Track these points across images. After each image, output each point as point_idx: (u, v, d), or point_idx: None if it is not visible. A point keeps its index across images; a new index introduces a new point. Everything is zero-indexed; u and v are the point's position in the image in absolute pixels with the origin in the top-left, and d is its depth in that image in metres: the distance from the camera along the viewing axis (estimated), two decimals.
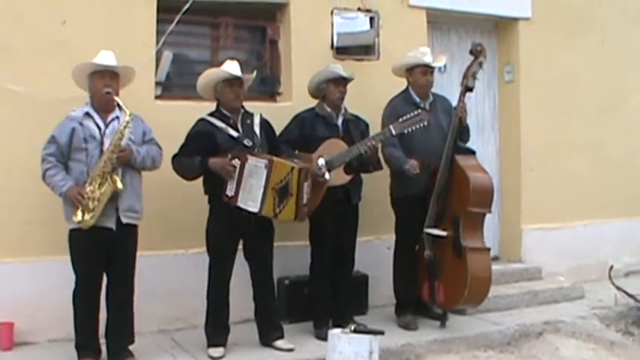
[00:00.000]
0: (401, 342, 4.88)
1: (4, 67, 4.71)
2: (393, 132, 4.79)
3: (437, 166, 5.03)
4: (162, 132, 4.52)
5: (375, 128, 5.15)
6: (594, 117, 7.00)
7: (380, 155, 5.02)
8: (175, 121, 4.73)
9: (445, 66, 5.91)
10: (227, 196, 4.43)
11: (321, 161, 4.85)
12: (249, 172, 4.42)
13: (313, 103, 5.14)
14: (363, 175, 5.11)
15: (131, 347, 4.39)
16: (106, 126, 4.26)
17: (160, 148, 4.47)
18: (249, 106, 4.82)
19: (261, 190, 4.41)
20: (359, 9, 5.87)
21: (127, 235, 4.29)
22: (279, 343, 4.69)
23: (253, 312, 4.78)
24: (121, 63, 4.31)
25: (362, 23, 5.87)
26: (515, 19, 6.66)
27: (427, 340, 4.97)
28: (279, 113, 5.15)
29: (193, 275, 4.91)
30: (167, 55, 5.29)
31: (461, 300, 5.02)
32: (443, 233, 5.00)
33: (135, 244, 4.37)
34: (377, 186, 5.32)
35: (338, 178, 4.87)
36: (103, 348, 4.36)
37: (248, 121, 4.68)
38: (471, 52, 5.19)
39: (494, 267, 5.46)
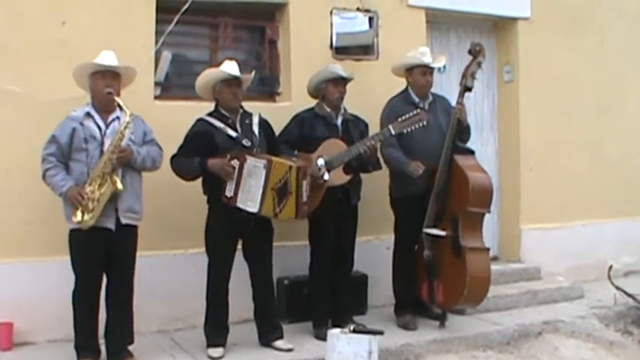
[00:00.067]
0: (400, 342, 4.87)
1: (4, 68, 4.72)
2: (392, 132, 4.80)
3: (436, 166, 5.03)
4: (161, 132, 4.52)
5: (374, 128, 5.15)
6: (593, 117, 7.00)
7: (379, 155, 5.03)
8: (174, 121, 4.72)
9: (444, 66, 5.90)
10: (226, 196, 4.43)
11: (321, 161, 4.86)
12: (248, 172, 4.41)
13: (312, 103, 5.14)
14: (363, 175, 5.11)
15: (131, 347, 4.39)
16: (107, 126, 4.26)
17: (161, 148, 4.47)
18: (248, 106, 4.81)
19: (261, 191, 4.40)
20: (358, 9, 5.87)
21: (127, 235, 4.29)
22: (278, 343, 4.69)
23: (253, 312, 4.78)
24: (122, 63, 4.31)
25: (361, 23, 5.86)
26: (515, 19, 6.65)
27: (426, 340, 4.96)
28: (278, 113, 5.15)
29: (193, 275, 4.91)
30: (166, 56, 5.29)
31: (460, 300, 5.01)
32: (442, 233, 5.00)
33: (135, 244, 4.37)
34: (376, 186, 5.32)
35: (337, 178, 4.87)
36: (103, 348, 4.36)
37: (247, 121, 4.68)
38: (470, 52, 5.18)
39: (494, 267, 5.45)
